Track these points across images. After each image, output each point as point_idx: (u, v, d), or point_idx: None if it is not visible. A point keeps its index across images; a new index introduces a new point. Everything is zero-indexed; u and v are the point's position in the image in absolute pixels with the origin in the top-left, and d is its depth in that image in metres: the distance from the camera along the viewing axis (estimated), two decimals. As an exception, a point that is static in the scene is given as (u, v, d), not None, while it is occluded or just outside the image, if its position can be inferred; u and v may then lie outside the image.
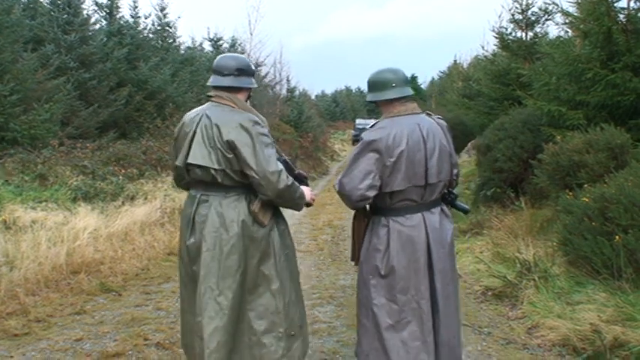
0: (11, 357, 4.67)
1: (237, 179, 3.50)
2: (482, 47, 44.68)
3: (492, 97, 17.47)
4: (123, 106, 17.64)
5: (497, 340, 5.27)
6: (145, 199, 11.05)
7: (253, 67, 3.76)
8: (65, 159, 11.80)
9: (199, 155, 3.47)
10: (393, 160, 3.38)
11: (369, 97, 3.64)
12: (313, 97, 55.00)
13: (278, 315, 3.59)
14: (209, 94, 3.68)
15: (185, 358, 3.85)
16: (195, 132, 3.52)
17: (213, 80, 3.65)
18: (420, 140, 3.44)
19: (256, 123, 3.49)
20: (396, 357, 3.44)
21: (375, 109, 62.40)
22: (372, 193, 3.43)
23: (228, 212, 3.50)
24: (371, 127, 3.54)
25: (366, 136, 3.48)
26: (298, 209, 3.76)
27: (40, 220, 8.70)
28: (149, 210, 10.20)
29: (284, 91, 33.14)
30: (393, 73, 3.57)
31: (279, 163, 3.52)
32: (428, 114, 3.66)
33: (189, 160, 3.52)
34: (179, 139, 3.68)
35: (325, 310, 6.12)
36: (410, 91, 3.57)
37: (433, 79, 56.22)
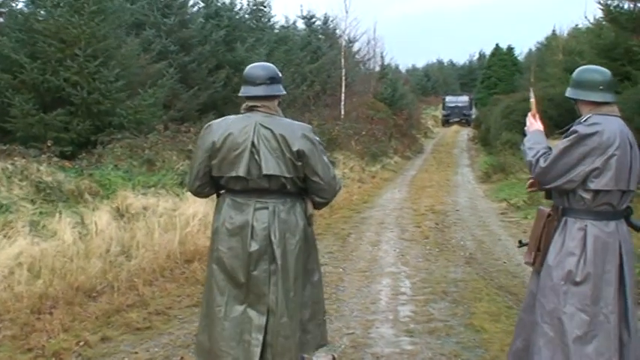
0: (136, 352, 4.70)
1: (299, 185, 3.66)
2: (586, 17, 42.05)
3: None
4: (221, 88, 17.85)
5: None
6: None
7: (280, 75, 3.81)
8: (171, 143, 11.98)
9: (271, 166, 3.54)
10: (605, 157, 3.22)
11: (571, 94, 3.48)
12: (404, 71, 53.89)
13: (318, 304, 3.90)
14: (249, 104, 3.68)
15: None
16: (254, 143, 3.55)
17: (246, 90, 3.71)
18: (627, 144, 3.29)
19: (313, 132, 3.68)
20: None
21: (469, 84, 60.60)
22: (569, 187, 3.29)
23: (290, 218, 3.64)
24: (585, 121, 3.32)
25: (579, 129, 3.27)
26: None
27: (150, 206, 8.86)
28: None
29: (377, 68, 32.68)
30: (602, 75, 3.42)
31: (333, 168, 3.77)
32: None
33: (265, 172, 3.54)
34: (224, 149, 3.61)
35: (440, 307, 5.85)
36: (615, 98, 3.43)
37: (530, 50, 53.85)
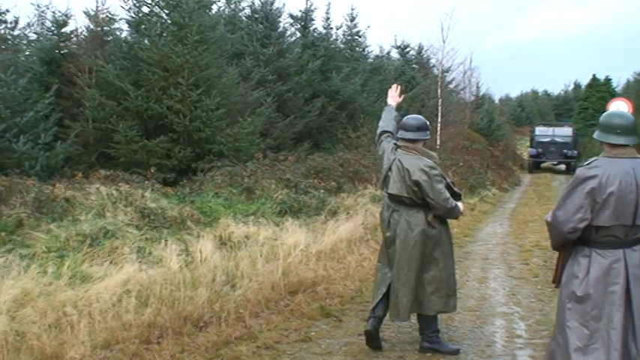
0: (246, 389, 4.52)
1: (418, 202, 5.16)
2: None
3: None
4: (316, 117, 17.86)
5: None
6: (347, 214, 10.86)
7: (428, 124, 5.42)
8: (270, 172, 11.95)
9: (395, 188, 5.21)
10: (603, 197, 3.65)
11: (596, 135, 3.94)
12: (497, 101, 52.28)
13: (441, 282, 5.26)
14: (398, 143, 5.32)
15: None
16: (390, 169, 5.26)
17: (400, 134, 5.29)
18: (632, 184, 3.67)
19: (432, 167, 5.10)
20: None
21: (564, 114, 58.55)
22: (582, 225, 3.73)
23: (412, 219, 5.20)
24: (587, 164, 3.80)
25: (580, 172, 3.78)
26: (456, 218, 5.52)
27: (252, 235, 8.77)
28: (353, 226, 9.98)
29: (471, 97, 32.11)
30: (622, 119, 3.85)
31: (447, 193, 5.12)
32: None
33: (389, 191, 5.31)
34: (384, 171, 5.38)
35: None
36: (633, 141, 3.82)
37: (628, 80, 51.72)
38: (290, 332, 5.83)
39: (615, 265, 3.72)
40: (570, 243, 3.92)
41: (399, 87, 6.07)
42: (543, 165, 31.89)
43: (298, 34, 20.36)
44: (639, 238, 3.80)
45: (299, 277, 7.32)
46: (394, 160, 5.23)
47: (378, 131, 5.66)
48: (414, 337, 5.72)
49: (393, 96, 5.89)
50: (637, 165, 3.76)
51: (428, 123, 5.40)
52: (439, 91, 22.94)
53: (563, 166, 31.06)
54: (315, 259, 8.15)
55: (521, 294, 7.65)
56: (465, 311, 6.76)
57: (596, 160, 3.82)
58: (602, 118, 3.94)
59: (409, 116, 5.42)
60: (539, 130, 31.90)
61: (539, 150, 30.66)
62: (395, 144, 5.33)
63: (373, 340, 5.38)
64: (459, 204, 5.32)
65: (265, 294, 6.65)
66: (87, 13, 14.31)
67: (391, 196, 5.33)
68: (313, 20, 20.74)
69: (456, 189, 5.39)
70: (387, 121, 5.67)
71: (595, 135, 3.96)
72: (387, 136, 5.50)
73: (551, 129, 31.99)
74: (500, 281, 8.34)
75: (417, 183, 5.05)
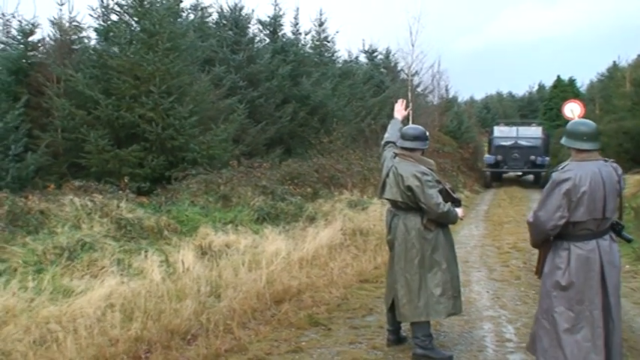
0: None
1: (413, 206, 5.35)
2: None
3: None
4: (288, 122, 17.78)
5: None
6: (326, 220, 10.80)
7: (427, 134, 5.60)
8: (245, 179, 11.83)
9: (390, 193, 5.46)
10: (578, 196, 4.14)
11: (563, 142, 4.42)
12: (463, 103, 52.46)
13: (447, 284, 5.39)
14: (396, 151, 5.55)
15: None
16: (388, 175, 5.50)
17: (400, 143, 5.51)
18: (600, 182, 4.18)
19: (424, 173, 5.27)
20: (569, 354, 4.23)
21: (529, 115, 58.80)
22: (562, 222, 4.20)
23: (409, 222, 5.39)
24: (561, 169, 4.29)
25: (556, 176, 4.26)
26: (453, 223, 5.58)
27: (232, 243, 8.66)
28: (332, 232, 9.91)
29: (437, 100, 32.25)
30: (587, 127, 4.34)
31: (439, 197, 5.25)
32: (605, 160, 4.36)
33: (385, 196, 5.57)
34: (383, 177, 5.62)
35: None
36: (597, 146, 4.31)
37: (592, 81, 52.45)
38: (280, 343, 5.75)
39: (591, 255, 4.25)
40: (549, 239, 4.41)
41: (405, 101, 6.45)
42: (506, 176, 26.08)
43: (267, 40, 20.24)
44: (607, 229, 4.36)
45: (283, 286, 7.24)
46: (391, 167, 5.48)
47: (382, 142, 5.98)
48: (407, 345, 5.69)
49: (399, 110, 6.21)
50: (601, 166, 4.29)
51: (427, 133, 5.62)
52: (409, 94, 22.96)
53: (531, 177, 25.49)
54: (297, 267, 8.08)
55: (506, 297, 7.67)
56: (453, 316, 6.74)
57: (567, 164, 4.33)
58: (569, 126, 4.43)
59: (409, 126, 5.77)
60: (499, 131, 25.57)
61: (499, 157, 24.17)
62: (394, 152, 5.57)
63: (398, 343, 5.80)
64: (459, 210, 5.51)
65: (251, 304, 6.56)
66: (54, 22, 14.01)
67: (391, 201, 5.59)
68: (282, 26, 20.66)
69: (455, 195, 5.56)
70: (391, 132, 5.96)
71: (563, 141, 4.44)
72: (390, 146, 5.78)
73: (514, 129, 25.62)
74: (483, 284, 8.35)
75: (409, 188, 5.27)
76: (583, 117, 16.38)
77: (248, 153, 15.38)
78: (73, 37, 14.47)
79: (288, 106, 17.99)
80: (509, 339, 6.02)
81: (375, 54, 28.88)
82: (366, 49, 29.09)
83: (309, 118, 18.81)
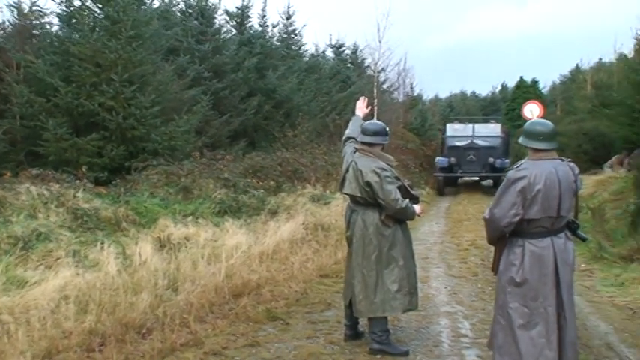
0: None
1: (371, 202, 5.38)
2: (619, 53, 40.65)
3: (636, 109, 16.37)
4: (252, 115, 17.67)
5: None
6: (288, 214, 10.76)
7: (387, 130, 5.64)
8: (207, 171, 11.71)
9: (350, 188, 5.47)
10: (532, 194, 4.18)
11: (521, 141, 4.46)
12: (427, 101, 52.75)
13: (404, 280, 5.45)
14: (356, 147, 5.57)
15: None
16: (348, 170, 5.49)
17: (360, 138, 5.55)
18: (555, 181, 4.22)
19: (383, 169, 5.31)
20: (524, 350, 4.27)
21: (491, 115, 59.40)
22: (516, 220, 4.25)
23: (367, 218, 5.42)
24: (517, 167, 4.34)
25: (511, 174, 4.32)
26: (410, 220, 5.62)
27: (191, 236, 8.56)
28: (294, 226, 9.88)
29: (403, 97, 32.35)
30: (544, 127, 4.39)
31: (397, 193, 5.30)
32: (562, 159, 4.41)
33: (344, 192, 5.59)
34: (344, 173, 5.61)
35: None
36: (554, 146, 4.37)
37: (554, 83, 53.22)
38: (237, 337, 5.70)
39: (545, 252, 4.30)
40: (505, 235, 4.45)
41: (367, 99, 6.49)
42: (461, 181, 23.58)
43: (234, 31, 20.06)
44: (562, 227, 4.41)
45: (242, 280, 7.18)
46: (351, 162, 5.49)
47: (344, 138, 6.00)
48: (364, 340, 5.69)
49: (361, 107, 6.24)
50: (557, 165, 4.32)
51: (387, 129, 5.66)
52: (375, 91, 22.99)
53: (490, 182, 22.09)
54: (257, 261, 8.04)
55: (463, 293, 7.72)
56: (410, 311, 6.76)
57: (523, 163, 4.39)
58: (527, 126, 4.48)
59: (369, 122, 5.85)
60: (453, 130, 22.60)
61: (452, 160, 21.01)
62: (355, 148, 5.58)
63: (356, 338, 5.77)
64: (416, 207, 5.56)
65: (209, 297, 6.49)
66: (13, 6, 13.68)
67: (350, 197, 5.61)
68: (249, 17, 20.51)
69: (414, 192, 5.62)
70: (352, 128, 5.98)
71: (520, 141, 4.47)
72: (351, 142, 5.78)
73: (470, 127, 22.69)
74: (441, 280, 8.40)
75: (368, 184, 5.30)
76: (542, 118, 16.61)
77: (211, 145, 15.24)
78: (34, 22, 14.15)
79: (253, 99, 17.88)
80: (464, 334, 6.05)
81: (343, 49, 28.88)
82: (334, 43, 29.08)
83: (274, 111, 18.72)
